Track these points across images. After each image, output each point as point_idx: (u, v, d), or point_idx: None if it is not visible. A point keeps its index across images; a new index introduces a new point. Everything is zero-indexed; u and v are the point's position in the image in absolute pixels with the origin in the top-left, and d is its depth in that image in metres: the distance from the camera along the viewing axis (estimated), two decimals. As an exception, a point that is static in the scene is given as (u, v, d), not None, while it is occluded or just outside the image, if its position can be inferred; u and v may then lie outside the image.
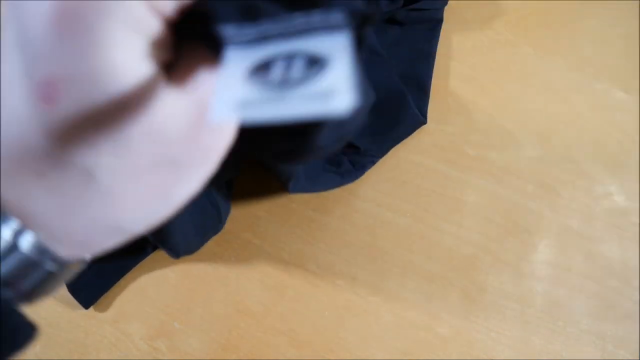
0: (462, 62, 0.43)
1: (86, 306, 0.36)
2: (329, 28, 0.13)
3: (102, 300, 0.37)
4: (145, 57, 0.12)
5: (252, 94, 0.12)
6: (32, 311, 0.37)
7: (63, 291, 0.37)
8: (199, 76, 0.13)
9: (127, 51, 0.12)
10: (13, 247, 0.13)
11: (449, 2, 0.44)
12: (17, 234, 0.13)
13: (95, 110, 0.12)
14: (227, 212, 0.38)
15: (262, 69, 0.13)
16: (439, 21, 0.43)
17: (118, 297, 0.37)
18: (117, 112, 0.12)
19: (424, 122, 0.40)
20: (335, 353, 0.35)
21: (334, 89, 0.12)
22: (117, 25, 0.11)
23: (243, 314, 0.36)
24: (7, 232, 0.13)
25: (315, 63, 0.13)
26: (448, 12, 0.44)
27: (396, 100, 0.39)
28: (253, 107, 0.12)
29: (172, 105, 0.13)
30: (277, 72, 0.12)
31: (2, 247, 0.13)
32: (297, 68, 0.12)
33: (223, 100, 0.12)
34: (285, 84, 0.12)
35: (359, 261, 0.37)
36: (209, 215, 0.35)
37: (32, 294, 0.15)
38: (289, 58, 0.13)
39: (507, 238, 0.37)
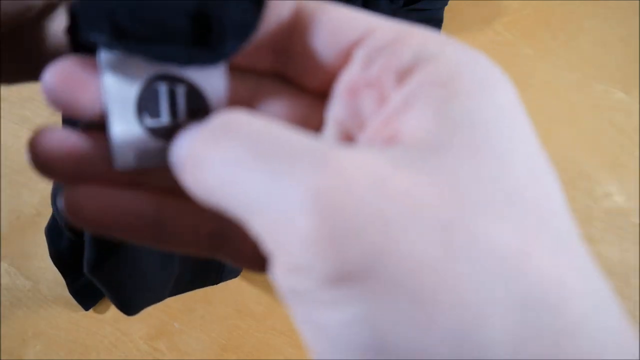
0: (462, 63, 0.43)
1: (87, 308, 0.36)
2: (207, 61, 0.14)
3: (103, 300, 0.37)
4: None
5: (149, 145, 0.14)
6: (33, 311, 0.37)
7: (64, 292, 0.37)
8: None
9: None
10: None
11: (449, 2, 0.44)
12: None
13: None
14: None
15: (148, 100, 0.13)
16: (439, 21, 0.43)
17: (118, 298, 0.37)
18: None
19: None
20: (335, 353, 0.35)
21: None
22: None
23: (243, 314, 0.36)
24: None
25: (195, 95, 0.14)
26: (448, 12, 0.44)
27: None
28: (150, 157, 0.14)
29: None
30: (164, 112, 0.13)
31: None
32: (181, 106, 0.14)
33: (123, 151, 0.13)
34: (175, 132, 0.13)
35: (359, 261, 0.37)
36: (202, 272, 0.33)
37: None
38: (170, 82, 0.14)
39: (507, 238, 0.37)
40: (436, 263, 0.08)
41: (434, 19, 0.43)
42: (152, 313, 0.36)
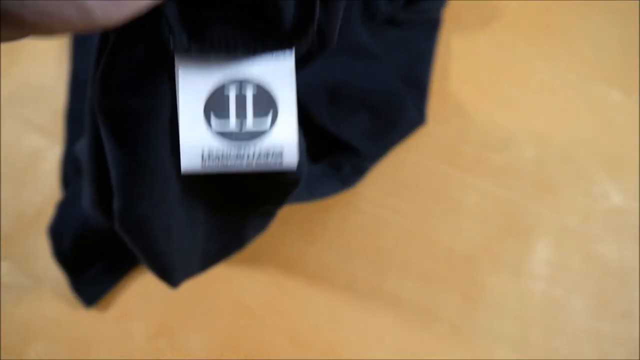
0: (462, 63, 0.43)
1: (88, 305, 0.36)
2: (275, 58, 0.14)
3: (104, 299, 0.37)
4: None
5: (216, 147, 0.14)
6: (34, 310, 0.37)
7: (66, 291, 0.37)
8: None
9: None
10: None
11: (449, 2, 0.45)
12: None
13: None
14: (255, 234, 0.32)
15: (217, 103, 0.14)
16: (438, 22, 0.43)
17: (120, 296, 0.37)
18: None
19: (424, 122, 0.41)
20: (335, 353, 0.35)
21: (283, 145, 0.15)
22: None
23: (244, 313, 0.36)
24: None
25: (263, 96, 0.14)
26: (447, 13, 0.44)
27: (395, 102, 0.39)
28: (217, 160, 0.14)
29: None
30: (232, 114, 0.14)
31: None
32: (249, 109, 0.14)
33: (190, 153, 0.14)
34: (242, 135, 0.15)
35: (359, 261, 0.37)
36: (229, 242, 0.31)
37: None
38: (239, 85, 0.14)
39: (506, 238, 0.37)
40: None
41: (433, 20, 0.43)
42: (152, 312, 0.36)
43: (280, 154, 0.15)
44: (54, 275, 0.37)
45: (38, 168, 0.42)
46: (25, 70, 0.46)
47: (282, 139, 0.15)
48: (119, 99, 0.17)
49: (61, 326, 0.36)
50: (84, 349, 0.36)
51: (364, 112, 0.38)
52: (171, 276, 0.28)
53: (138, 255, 0.26)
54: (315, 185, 0.36)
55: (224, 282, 0.37)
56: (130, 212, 0.21)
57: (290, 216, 0.38)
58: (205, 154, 0.14)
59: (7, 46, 0.47)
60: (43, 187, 0.41)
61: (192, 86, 0.14)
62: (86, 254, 0.36)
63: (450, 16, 0.44)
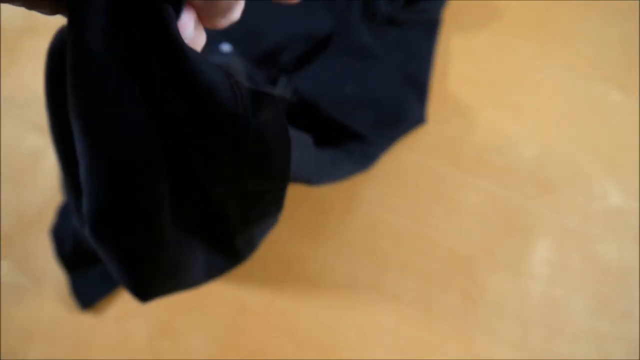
0: (462, 63, 0.43)
1: (83, 307, 0.36)
2: None
3: (105, 299, 0.37)
4: None
5: None
6: (35, 311, 0.37)
7: (66, 291, 0.37)
8: None
9: None
10: None
11: (449, 2, 0.45)
12: None
13: None
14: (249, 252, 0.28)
15: None
16: (438, 22, 0.43)
17: (120, 296, 0.37)
18: None
19: (424, 121, 0.41)
20: (335, 353, 0.35)
21: None
22: None
23: (244, 313, 0.36)
24: None
25: None
26: (447, 14, 0.44)
27: (395, 101, 0.39)
28: None
29: None
30: None
31: None
32: None
33: None
34: None
35: (359, 261, 0.37)
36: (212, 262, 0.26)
37: None
38: None
39: (506, 238, 0.37)
40: None
41: (433, 20, 0.43)
42: (153, 312, 0.36)
43: None
44: (54, 275, 0.37)
45: (38, 168, 0.42)
46: (25, 70, 0.46)
47: None
48: (89, 57, 0.15)
49: (61, 326, 0.36)
50: (84, 349, 0.36)
51: (366, 110, 0.38)
52: (147, 289, 0.23)
53: (110, 266, 0.21)
54: (336, 166, 0.36)
55: (224, 282, 0.37)
56: (106, 214, 0.17)
57: (290, 217, 0.38)
58: None
59: (7, 46, 0.47)
60: (43, 187, 0.41)
61: None
62: (86, 259, 0.36)
63: (450, 16, 0.44)
